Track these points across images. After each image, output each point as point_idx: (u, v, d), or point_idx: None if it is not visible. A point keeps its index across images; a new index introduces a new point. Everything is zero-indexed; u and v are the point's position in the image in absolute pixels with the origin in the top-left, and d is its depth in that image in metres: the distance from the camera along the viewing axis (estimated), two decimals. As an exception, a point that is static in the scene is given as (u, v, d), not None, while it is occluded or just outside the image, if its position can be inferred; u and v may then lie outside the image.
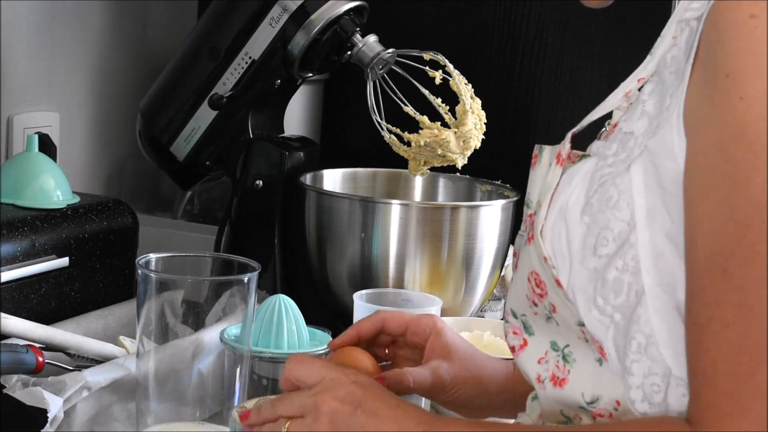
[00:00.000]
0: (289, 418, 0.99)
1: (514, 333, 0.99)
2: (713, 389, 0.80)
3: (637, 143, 0.88)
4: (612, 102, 0.98)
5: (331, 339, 1.31)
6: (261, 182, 1.61)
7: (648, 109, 0.89)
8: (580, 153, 0.97)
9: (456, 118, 1.54)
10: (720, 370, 0.79)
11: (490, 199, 1.64)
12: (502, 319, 1.77)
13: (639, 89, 0.94)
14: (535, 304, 0.94)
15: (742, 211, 0.79)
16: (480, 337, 1.46)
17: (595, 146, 0.95)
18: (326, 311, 1.57)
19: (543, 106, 1.89)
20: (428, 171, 1.56)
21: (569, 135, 0.98)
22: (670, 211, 0.86)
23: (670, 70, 0.87)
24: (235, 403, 1.14)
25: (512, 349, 0.99)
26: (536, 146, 1.02)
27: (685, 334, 0.83)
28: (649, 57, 0.94)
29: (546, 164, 0.99)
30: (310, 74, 1.64)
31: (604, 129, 1.01)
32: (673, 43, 0.89)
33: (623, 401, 0.89)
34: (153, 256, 1.14)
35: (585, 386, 0.92)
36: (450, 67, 1.54)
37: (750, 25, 0.80)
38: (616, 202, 0.88)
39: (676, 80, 0.86)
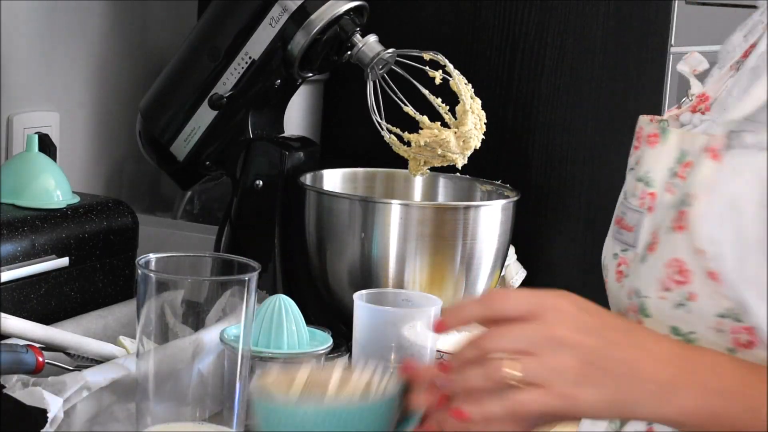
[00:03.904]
0: (511, 358, 0.90)
1: (632, 312, 1.00)
2: None
3: None
4: (760, 93, 0.96)
5: (330, 339, 1.32)
6: (261, 182, 1.61)
7: None
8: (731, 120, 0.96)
9: (456, 118, 1.54)
10: None
11: (490, 199, 1.64)
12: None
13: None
14: (667, 290, 0.95)
15: None
16: (480, 337, 1.46)
17: (752, 140, 0.94)
18: (326, 311, 1.57)
19: (543, 106, 1.89)
20: (428, 171, 1.56)
21: (726, 131, 0.96)
22: None
23: None
24: (236, 403, 1.14)
25: None
26: (657, 125, 1.01)
27: None
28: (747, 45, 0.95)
29: (674, 147, 0.99)
30: (310, 74, 1.64)
31: (685, 99, 1.01)
32: None
33: None
34: (153, 256, 1.14)
35: None
36: (450, 67, 1.54)
37: None
38: None
39: None
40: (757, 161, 0.92)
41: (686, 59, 1.04)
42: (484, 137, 1.54)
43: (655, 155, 1.01)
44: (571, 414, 0.91)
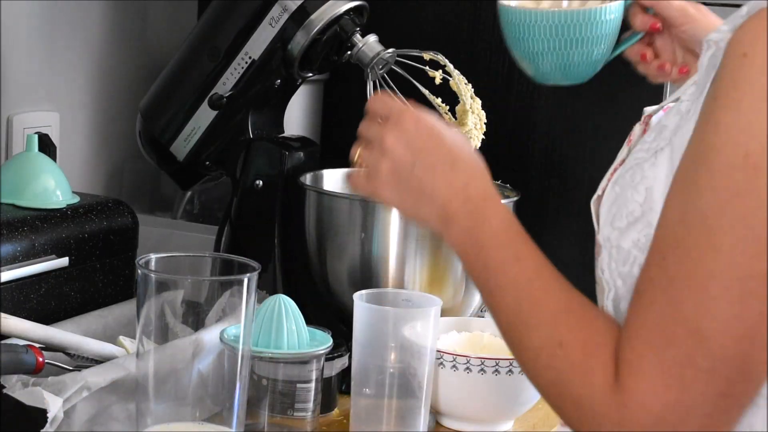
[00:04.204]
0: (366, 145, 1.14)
1: None
2: (631, 348, 0.92)
3: (666, 137, 0.99)
4: (682, 89, 1.06)
5: (330, 339, 1.32)
6: (261, 182, 1.61)
7: (681, 108, 0.98)
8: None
9: (456, 118, 1.54)
10: (641, 335, 0.92)
11: (490, 199, 1.63)
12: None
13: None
14: (596, 260, 1.07)
15: (691, 219, 0.90)
16: (480, 337, 1.46)
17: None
18: (326, 311, 1.57)
19: (543, 106, 1.89)
20: None
21: (644, 118, 1.10)
22: None
23: (701, 80, 0.97)
24: (236, 403, 1.14)
25: None
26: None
27: (633, 291, 0.96)
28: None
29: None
30: (310, 74, 1.64)
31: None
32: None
33: None
34: (153, 256, 1.14)
35: None
36: (450, 67, 1.54)
37: (739, 63, 0.89)
38: (636, 185, 1.00)
39: (698, 91, 0.96)
40: (636, 149, 1.03)
41: None
42: (484, 137, 1.54)
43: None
44: (383, 203, 1.16)
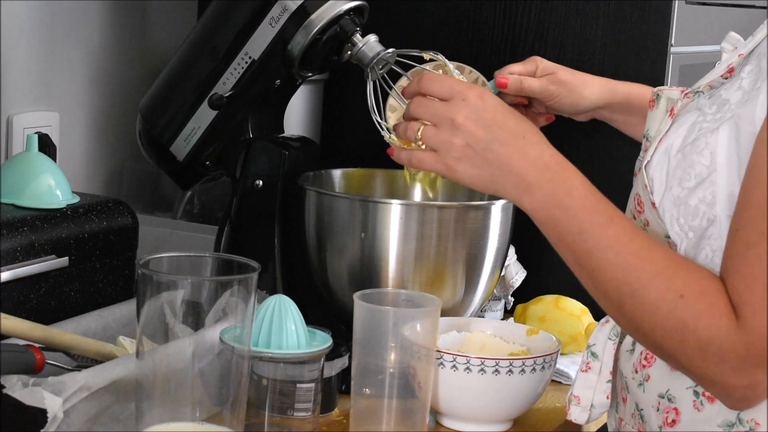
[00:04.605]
0: (423, 124, 1.20)
1: None
2: (751, 292, 1.03)
3: (730, 109, 1.11)
4: (718, 71, 1.18)
5: (330, 339, 1.32)
6: (261, 182, 1.61)
7: (744, 85, 1.11)
8: (695, 90, 1.19)
9: (456, 118, 1.54)
10: (761, 280, 1.02)
11: (490, 199, 1.64)
12: (502, 320, 1.77)
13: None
14: (635, 218, 1.18)
15: None
16: (480, 337, 1.46)
17: (700, 103, 1.17)
18: (326, 311, 1.57)
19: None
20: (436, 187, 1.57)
21: (683, 95, 1.20)
22: (742, 160, 1.07)
23: (766, 60, 1.09)
24: (236, 403, 1.14)
25: None
26: (653, 91, 1.25)
27: (730, 241, 1.06)
28: (750, 37, 1.16)
29: (663, 110, 1.22)
30: (310, 74, 1.64)
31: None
32: None
33: None
34: (153, 256, 1.14)
35: None
36: (450, 67, 1.54)
37: None
38: (702, 150, 1.11)
39: (756, 70, 1.09)
40: (690, 118, 1.15)
41: (727, 38, 1.25)
42: (484, 137, 1.53)
43: (652, 116, 1.24)
44: (453, 180, 1.20)
